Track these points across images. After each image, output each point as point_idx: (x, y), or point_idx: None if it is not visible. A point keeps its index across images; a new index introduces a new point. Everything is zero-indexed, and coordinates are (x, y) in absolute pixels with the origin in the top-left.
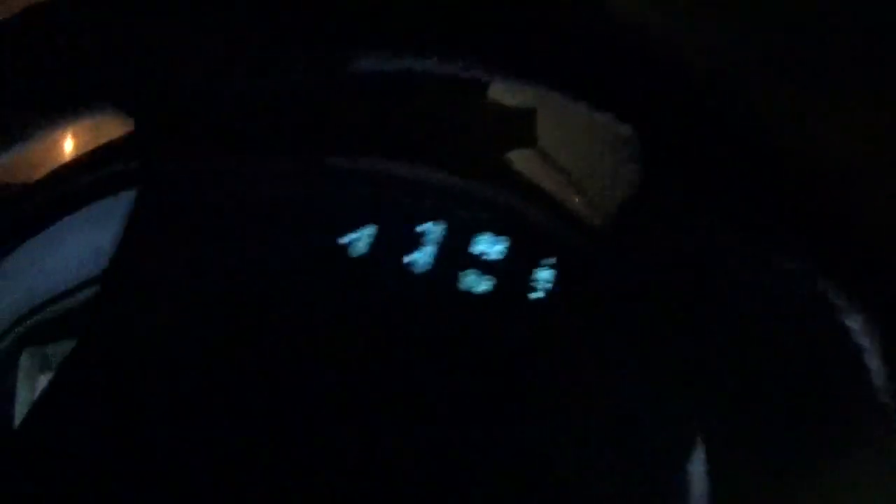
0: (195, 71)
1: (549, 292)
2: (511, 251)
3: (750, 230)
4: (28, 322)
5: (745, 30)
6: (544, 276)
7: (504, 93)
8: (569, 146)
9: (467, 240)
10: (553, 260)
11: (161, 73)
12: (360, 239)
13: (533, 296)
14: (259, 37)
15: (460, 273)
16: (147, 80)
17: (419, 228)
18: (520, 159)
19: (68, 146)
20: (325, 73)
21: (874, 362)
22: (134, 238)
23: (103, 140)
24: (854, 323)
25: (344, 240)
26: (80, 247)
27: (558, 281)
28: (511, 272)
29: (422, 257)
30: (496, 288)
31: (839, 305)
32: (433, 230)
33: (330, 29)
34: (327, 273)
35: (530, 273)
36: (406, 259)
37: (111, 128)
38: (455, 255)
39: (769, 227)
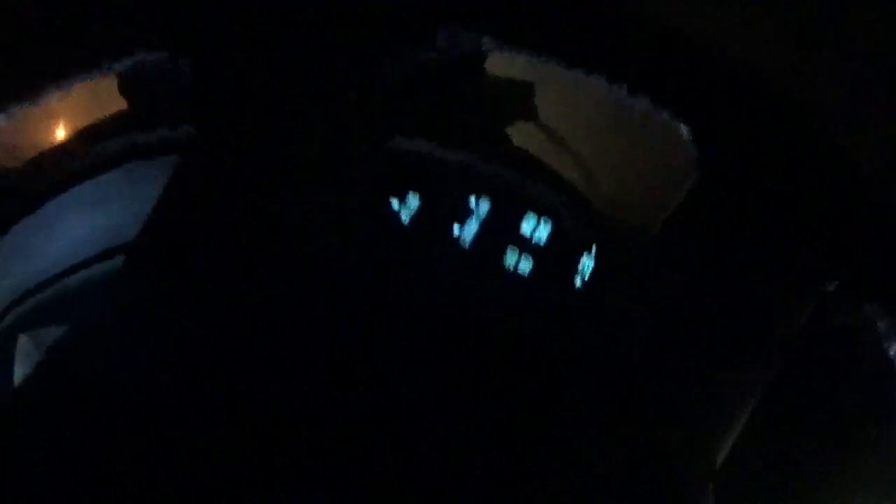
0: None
1: (587, 281)
2: (554, 236)
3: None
4: (24, 305)
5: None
6: (584, 264)
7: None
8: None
9: (512, 219)
10: (594, 250)
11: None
12: (405, 209)
13: (574, 282)
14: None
15: (503, 250)
16: (208, 27)
17: (465, 204)
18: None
19: (61, 129)
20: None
21: None
22: (173, 202)
23: (96, 121)
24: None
25: (390, 210)
26: (74, 229)
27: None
28: (553, 256)
29: (465, 231)
30: (537, 269)
31: (883, 332)
32: (479, 207)
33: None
34: (369, 241)
35: (571, 260)
36: (450, 232)
37: (103, 109)
38: (499, 232)
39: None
